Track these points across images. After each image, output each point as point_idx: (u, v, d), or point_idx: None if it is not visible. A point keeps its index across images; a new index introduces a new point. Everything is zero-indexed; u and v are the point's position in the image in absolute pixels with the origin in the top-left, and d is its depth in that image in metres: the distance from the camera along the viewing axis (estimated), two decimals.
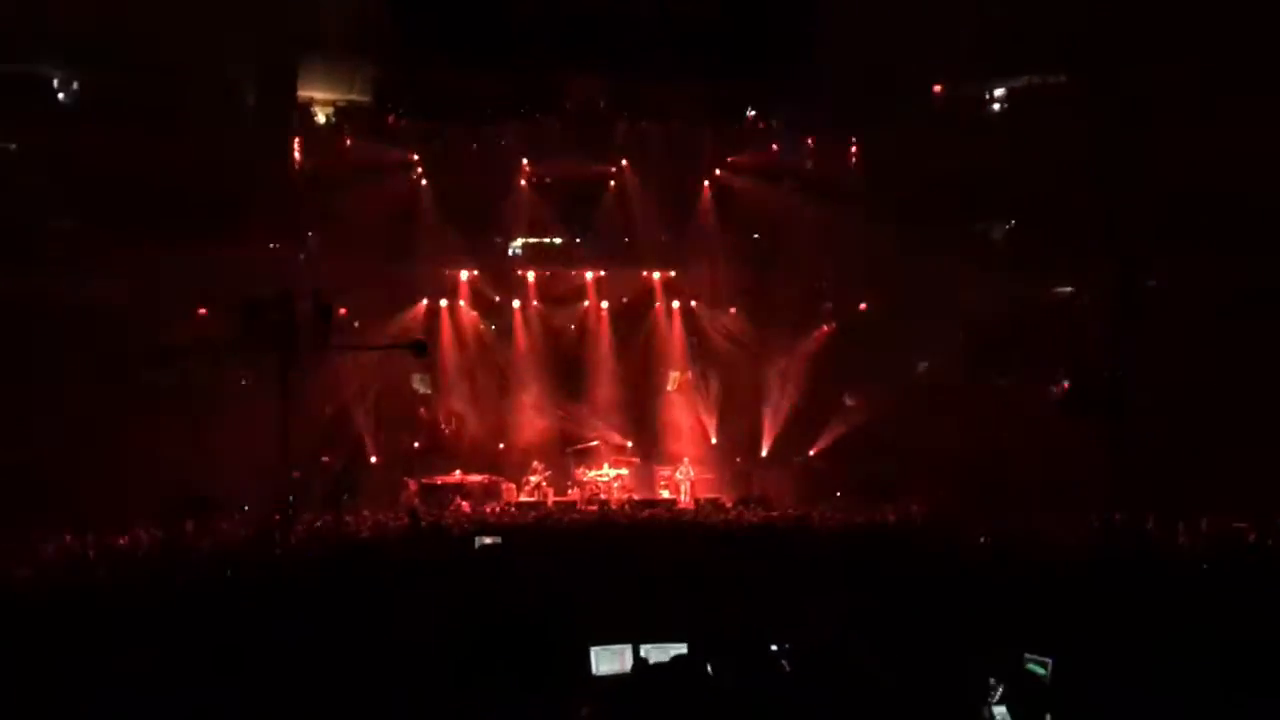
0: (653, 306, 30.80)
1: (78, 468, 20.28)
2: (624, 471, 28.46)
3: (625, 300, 30.89)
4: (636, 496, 27.75)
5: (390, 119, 29.22)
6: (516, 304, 30.39)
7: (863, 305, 29.27)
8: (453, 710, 6.81)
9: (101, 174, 22.43)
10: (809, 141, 30.30)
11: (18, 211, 23.09)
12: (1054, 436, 23.39)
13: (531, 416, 29.28)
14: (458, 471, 28.01)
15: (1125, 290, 23.76)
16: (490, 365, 29.97)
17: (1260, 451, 20.35)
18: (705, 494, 27.82)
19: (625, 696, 6.82)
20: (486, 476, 28.07)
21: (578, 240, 31.21)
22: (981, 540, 16.85)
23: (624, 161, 30.09)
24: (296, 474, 24.67)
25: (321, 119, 28.99)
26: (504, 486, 27.93)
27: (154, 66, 24.02)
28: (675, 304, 30.73)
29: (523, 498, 27.69)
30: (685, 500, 27.52)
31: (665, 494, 28.12)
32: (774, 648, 7.82)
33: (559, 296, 30.77)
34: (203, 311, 25.81)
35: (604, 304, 30.65)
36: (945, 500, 23.08)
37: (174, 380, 23.00)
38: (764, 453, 29.41)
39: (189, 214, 23.11)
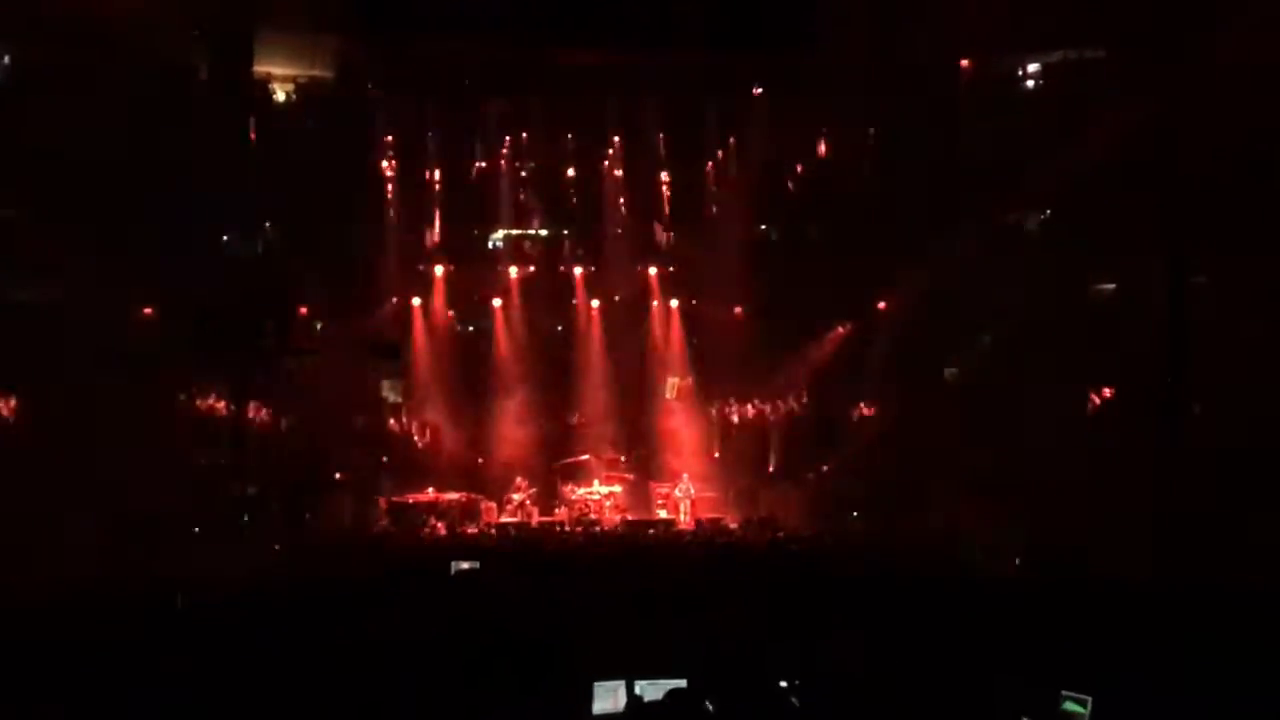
0: (649, 305, 30.78)
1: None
2: (617, 489, 28.40)
3: (618, 298, 30.87)
4: (631, 516, 27.74)
5: (357, 97, 29.18)
6: (498, 302, 30.38)
7: (882, 304, 29.21)
8: None
9: (32, 156, 22.34)
10: (819, 122, 30.26)
11: None
12: (1097, 448, 23.35)
13: (514, 428, 29.18)
14: (431, 489, 27.96)
15: (1175, 287, 23.72)
16: (468, 371, 29.91)
17: None
18: (707, 514, 27.74)
19: None
20: (464, 495, 27.99)
21: (565, 232, 31.23)
22: (1016, 563, 16.84)
23: (617, 144, 30.09)
24: (252, 491, 24.74)
25: (281, 97, 28.97)
26: (483, 506, 27.87)
27: (93, 37, 23.98)
28: (674, 302, 30.70)
29: (504, 518, 27.65)
30: (685, 521, 27.47)
31: (663, 514, 28.06)
32: (782, 683, 7.81)
33: (545, 294, 30.73)
34: (147, 311, 25.78)
35: (594, 302, 30.63)
36: (975, 520, 23.02)
37: (114, 388, 22.90)
38: (772, 468, 29.37)
39: (132, 202, 23.03)
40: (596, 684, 8.32)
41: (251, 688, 8.74)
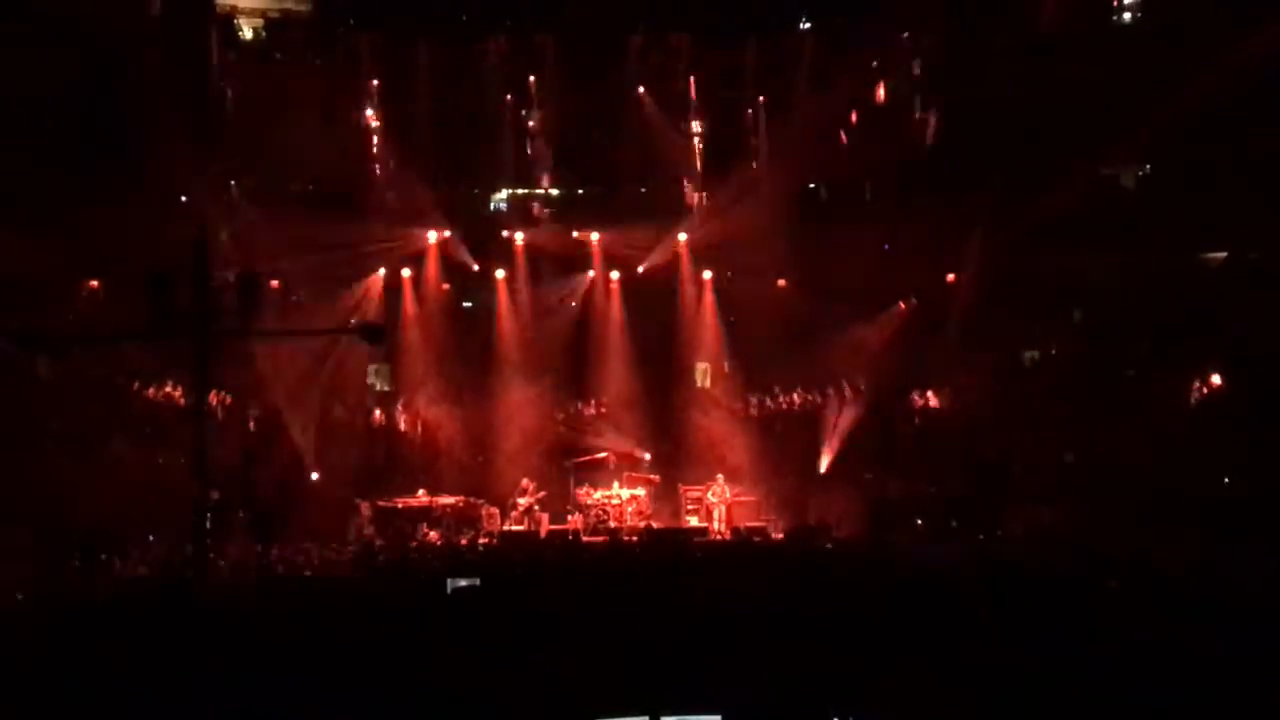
0: (678, 277, 30.64)
1: None
2: (640, 491, 28.34)
3: (642, 269, 30.72)
4: (656, 524, 27.62)
5: (337, 33, 29.12)
6: (501, 274, 30.27)
7: (951, 276, 29.03)
8: None
9: None
10: (878, 61, 30.08)
11: None
12: (1201, 447, 23.20)
13: (520, 421, 29.15)
14: (424, 492, 27.93)
15: None
16: (467, 355, 29.84)
17: None
18: (746, 521, 27.63)
19: None
20: (462, 498, 27.97)
21: (580, 191, 31.09)
22: (1111, 585, 16.67)
23: (640, 89, 29.95)
24: (216, 495, 24.69)
25: (248, 34, 28.92)
26: (484, 511, 27.84)
27: None
28: (706, 274, 30.55)
29: (509, 526, 27.60)
30: (719, 529, 27.40)
31: (693, 520, 27.98)
32: None
33: (556, 264, 30.62)
34: (93, 284, 25.76)
35: (614, 274, 30.51)
36: (1060, 530, 22.91)
37: (55, 375, 22.89)
38: (823, 468, 29.21)
39: (77, 154, 22.99)
40: None
41: None
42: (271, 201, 27.71)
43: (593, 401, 29.97)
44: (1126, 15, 28.07)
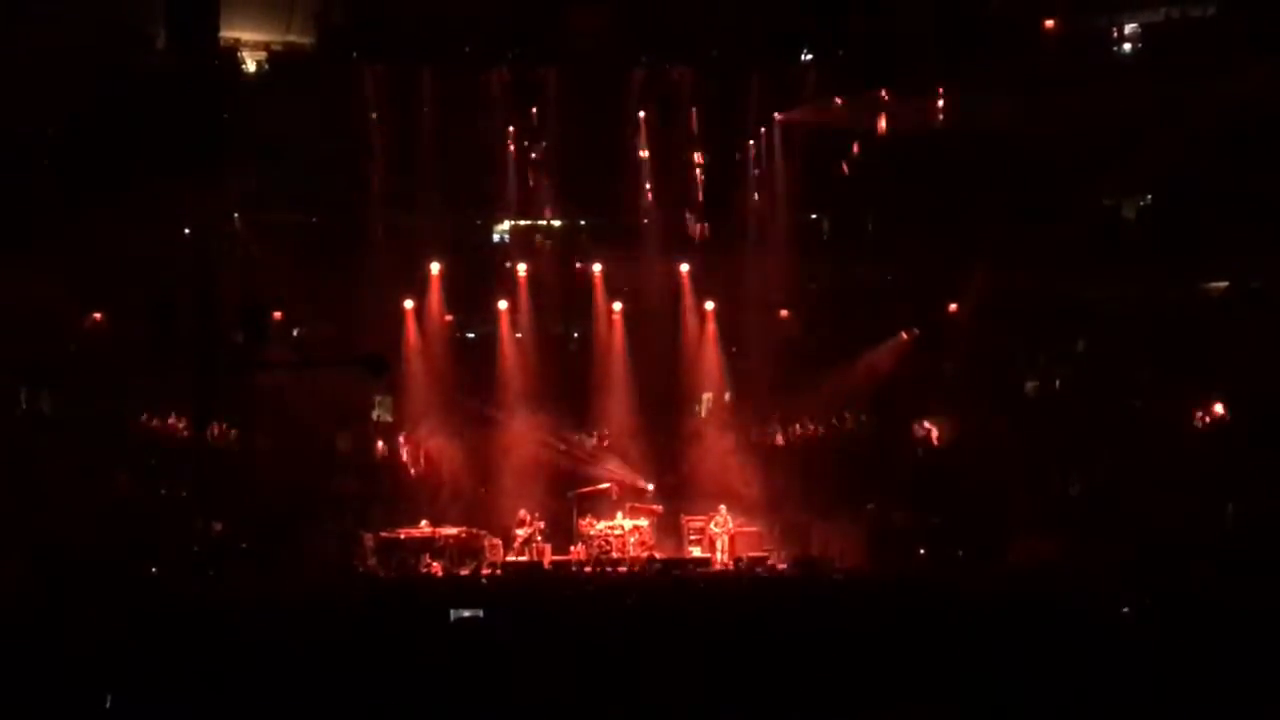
0: (680, 308, 30.53)
1: None
2: (643, 522, 28.17)
3: (644, 300, 30.63)
4: (659, 554, 27.51)
5: (338, 66, 29.10)
6: (503, 305, 30.18)
7: (953, 306, 28.95)
8: None
9: None
10: (882, 93, 30.04)
11: None
12: (1204, 476, 23.11)
13: (522, 451, 29.03)
14: (426, 523, 27.80)
15: None
16: (469, 385, 29.74)
17: None
18: (748, 551, 27.50)
19: None
20: (464, 529, 27.83)
21: (582, 222, 31.01)
22: (1124, 611, 16.54)
23: (642, 120, 29.92)
24: (218, 526, 24.62)
25: (251, 67, 28.90)
26: (487, 542, 27.70)
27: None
28: (709, 305, 30.45)
29: (511, 556, 27.47)
30: (722, 559, 27.26)
31: (696, 551, 27.86)
32: None
33: (558, 295, 30.57)
34: (97, 316, 25.70)
35: (616, 305, 30.41)
36: (1063, 560, 22.77)
37: (55, 406, 22.79)
38: (826, 498, 29.03)
39: (80, 187, 22.95)
40: None
41: None
42: (273, 233, 27.63)
43: (595, 433, 29.86)
44: (1127, 46, 28.08)
